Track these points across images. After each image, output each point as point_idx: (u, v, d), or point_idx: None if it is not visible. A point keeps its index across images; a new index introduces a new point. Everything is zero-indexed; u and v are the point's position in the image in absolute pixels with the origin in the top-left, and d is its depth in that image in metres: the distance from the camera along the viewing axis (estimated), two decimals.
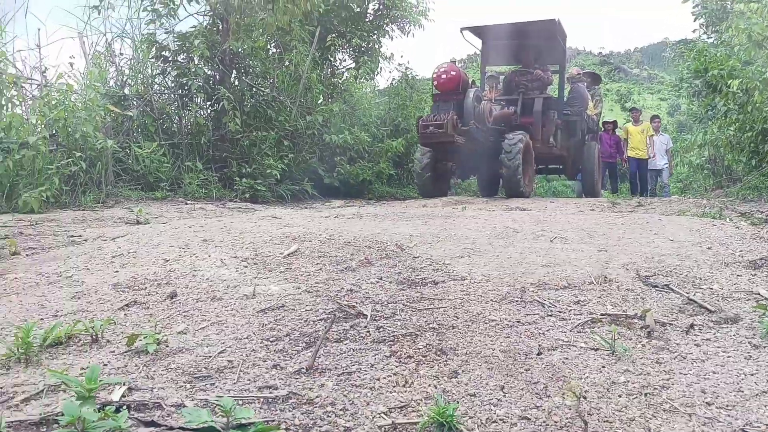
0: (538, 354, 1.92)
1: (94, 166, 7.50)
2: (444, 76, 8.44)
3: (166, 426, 1.36)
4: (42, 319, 2.28)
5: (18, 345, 1.85)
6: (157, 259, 2.90)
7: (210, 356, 1.80)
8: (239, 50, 9.33)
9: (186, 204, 7.58)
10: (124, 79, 9.11)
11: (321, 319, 2.11)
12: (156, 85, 9.42)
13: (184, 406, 1.50)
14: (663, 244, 3.42)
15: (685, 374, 1.81)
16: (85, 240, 4.31)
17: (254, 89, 9.72)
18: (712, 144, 11.17)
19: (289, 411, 1.49)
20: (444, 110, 8.19)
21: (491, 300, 2.38)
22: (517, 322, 2.19)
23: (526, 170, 8.70)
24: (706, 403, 1.63)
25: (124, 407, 1.45)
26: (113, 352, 1.88)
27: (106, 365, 1.78)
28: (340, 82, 12.17)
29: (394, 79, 13.06)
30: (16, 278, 2.88)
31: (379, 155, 11.30)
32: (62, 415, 1.44)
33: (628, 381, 1.74)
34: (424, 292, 2.45)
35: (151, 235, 3.51)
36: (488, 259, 2.90)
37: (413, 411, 1.51)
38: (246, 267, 2.70)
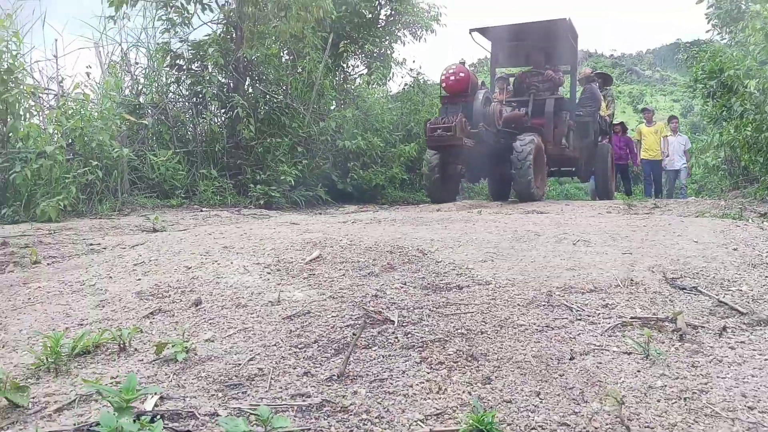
0: (570, 359, 1.89)
1: (110, 174, 7.55)
2: (453, 77, 8.29)
3: None
4: (68, 327, 2.28)
5: (47, 354, 1.85)
6: (179, 267, 2.90)
7: (240, 364, 1.79)
8: (253, 58, 9.37)
9: (201, 211, 7.61)
10: (140, 88, 9.18)
11: (348, 326, 2.10)
12: (171, 94, 9.48)
13: (218, 415, 1.49)
14: (687, 246, 3.37)
15: (723, 378, 1.77)
16: (105, 248, 4.32)
17: (268, 96, 9.76)
18: (728, 144, 11.03)
19: (324, 419, 1.47)
20: (452, 112, 8.02)
21: (518, 304, 2.35)
22: (546, 326, 2.15)
23: (537, 173, 8.54)
24: (748, 407, 1.59)
25: (158, 417, 1.44)
26: (141, 360, 1.87)
27: (135, 374, 1.76)
28: (353, 88, 12.19)
29: (406, 84, 13.06)
30: (39, 287, 2.89)
31: (392, 160, 11.29)
32: (97, 425, 1.44)
33: (666, 385, 1.71)
34: (450, 297, 2.42)
35: (171, 242, 3.52)
36: (512, 263, 2.87)
37: (450, 418, 1.49)
38: (269, 273, 2.69)
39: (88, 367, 1.86)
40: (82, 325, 2.29)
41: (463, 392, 1.63)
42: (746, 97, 9.15)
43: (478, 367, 1.80)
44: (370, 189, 10.77)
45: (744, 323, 2.30)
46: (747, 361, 1.92)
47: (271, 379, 1.69)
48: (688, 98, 26.55)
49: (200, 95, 9.28)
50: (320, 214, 8.14)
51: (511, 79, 10.65)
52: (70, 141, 7.36)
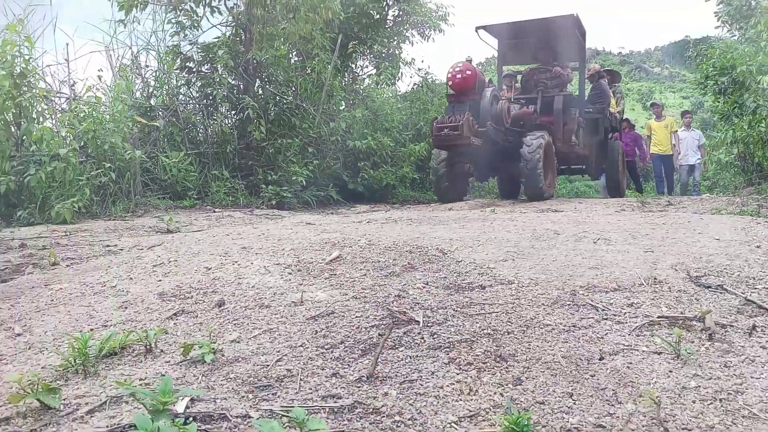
0: (600, 359, 1.87)
1: (123, 176, 7.58)
2: (459, 75, 8.10)
3: None
4: (92, 329, 2.28)
5: (74, 356, 1.84)
6: (199, 268, 2.90)
7: (268, 365, 1.78)
8: (262, 59, 9.38)
9: (214, 212, 7.63)
10: (151, 91, 9.21)
11: (373, 326, 2.08)
12: (181, 96, 9.51)
13: (250, 417, 1.48)
14: (709, 244, 3.34)
15: (757, 378, 1.75)
16: (121, 249, 4.33)
17: (278, 97, 9.77)
18: (742, 141, 10.93)
19: (357, 421, 1.45)
20: (459, 111, 7.87)
21: (543, 304, 2.33)
22: (573, 326, 2.13)
23: (547, 171, 8.40)
24: None
25: (190, 419, 1.44)
26: (168, 362, 1.87)
27: (163, 376, 1.76)
28: (362, 88, 12.19)
29: (415, 83, 13.04)
30: (61, 288, 2.90)
31: (402, 160, 11.28)
32: (131, 427, 1.43)
33: (700, 386, 1.68)
34: (473, 296, 2.40)
35: (189, 243, 3.52)
36: (533, 262, 2.85)
37: (483, 420, 1.47)
38: (290, 274, 2.68)
39: (116, 368, 1.85)
40: (106, 326, 2.29)
41: (495, 393, 1.62)
42: (759, 93, 9.06)
43: (507, 367, 1.79)
44: (381, 189, 10.76)
45: None
46: None
47: (300, 380, 1.69)
48: (698, 95, 26.38)
49: (211, 97, 9.31)
50: (332, 213, 8.14)
51: (519, 77, 10.49)
52: (82, 143, 7.40)
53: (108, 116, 7.77)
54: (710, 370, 1.80)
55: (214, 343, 1.88)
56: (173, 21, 9.33)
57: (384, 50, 12.62)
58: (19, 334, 2.31)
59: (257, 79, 9.79)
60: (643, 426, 1.45)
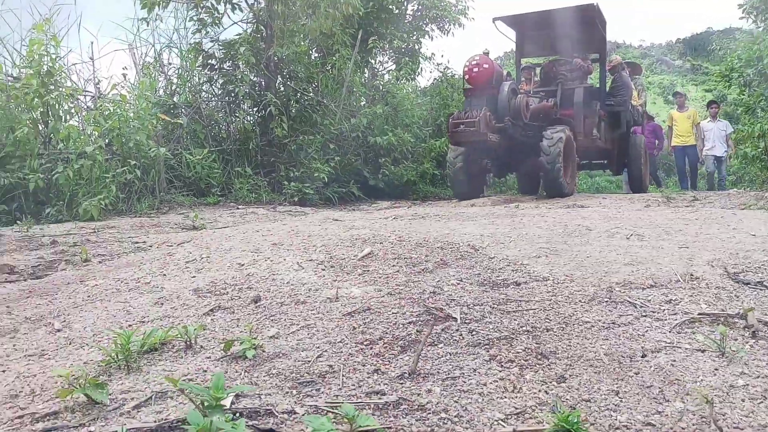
0: (642, 356, 1.84)
1: (147, 173, 7.67)
2: (476, 69, 7.83)
3: None
4: (130, 325, 2.30)
5: (117, 351, 1.86)
6: (232, 264, 2.91)
7: (309, 361, 1.78)
8: (283, 56, 9.41)
9: (238, 209, 7.68)
10: (174, 88, 9.30)
11: (410, 322, 2.08)
12: (204, 93, 9.58)
13: (295, 413, 1.48)
14: (745, 240, 3.28)
15: None
16: (150, 246, 4.38)
17: (299, 94, 9.79)
18: None
19: (403, 417, 1.45)
20: (476, 106, 7.62)
21: (580, 301, 2.31)
22: (612, 323, 2.11)
23: (567, 167, 8.12)
24: None
25: (237, 414, 1.44)
26: (209, 357, 1.88)
27: (205, 371, 1.77)
28: (382, 84, 12.17)
29: (435, 78, 12.99)
30: (96, 285, 2.94)
31: (422, 155, 11.25)
32: (179, 422, 1.45)
33: (748, 384, 1.65)
34: (509, 293, 2.39)
35: (220, 240, 3.54)
36: (567, 259, 2.82)
37: (530, 417, 1.46)
38: (323, 270, 2.68)
39: (157, 364, 1.87)
40: (143, 322, 2.32)
41: (539, 391, 1.60)
42: None
43: (549, 365, 1.77)
44: (402, 185, 10.74)
45: None
46: None
47: (343, 376, 1.69)
48: (721, 88, 25.93)
49: (233, 94, 9.37)
50: (354, 210, 8.16)
51: (538, 69, 10.24)
52: (108, 141, 7.49)
53: (132, 114, 7.87)
54: (757, 368, 1.76)
55: (255, 338, 1.89)
56: (195, 18, 9.40)
57: (403, 45, 12.58)
58: (59, 330, 2.35)
59: (278, 76, 9.83)
60: (693, 424, 1.43)
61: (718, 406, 1.53)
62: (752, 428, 1.43)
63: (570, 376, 1.70)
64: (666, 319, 2.17)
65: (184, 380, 1.71)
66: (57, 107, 7.20)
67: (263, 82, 9.66)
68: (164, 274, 2.94)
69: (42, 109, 7.12)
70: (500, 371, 1.72)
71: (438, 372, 1.71)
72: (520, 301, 2.29)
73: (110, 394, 1.63)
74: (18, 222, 5.99)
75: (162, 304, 2.49)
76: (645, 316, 2.20)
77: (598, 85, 9.99)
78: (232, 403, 1.53)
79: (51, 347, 2.17)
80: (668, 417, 1.46)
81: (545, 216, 4.12)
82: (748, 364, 1.80)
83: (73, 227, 5.87)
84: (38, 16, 8.20)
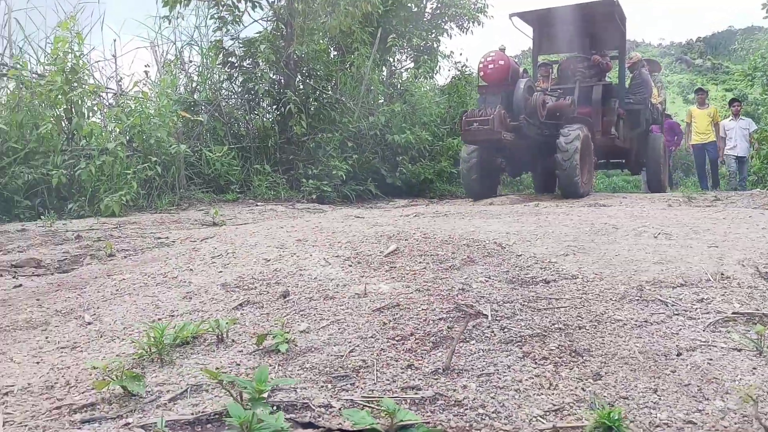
0: (678, 355, 1.82)
1: (168, 170, 7.73)
2: (491, 66, 7.60)
3: (324, 428, 1.34)
4: (159, 319, 2.32)
5: (150, 344, 1.88)
6: (258, 259, 2.92)
7: (342, 355, 1.78)
8: (303, 54, 9.44)
9: (257, 206, 7.72)
10: (194, 86, 9.37)
11: (440, 319, 2.07)
12: (224, 91, 9.64)
13: (332, 407, 1.48)
14: None
15: None
16: (173, 242, 4.41)
17: (318, 92, 9.81)
18: None
19: (441, 413, 1.44)
20: (491, 104, 7.40)
21: (610, 299, 2.28)
22: (645, 321, 2.08)
23: (584, 167, 7.90)
24: None
25: (275, 407, 1.45)
26: (241, 351, 1.89)
27: (239, 365, 1.78)
28: (400, 82, 12.16)
29: (453, 77, 12.94)
30: (123, 279, 2.96)
31: (440, 154, 11.23)
32: (215, 415, 1.45)
33: None
34: (538, 291, 2.37)
35: (244, 235, 3.56)
36: (596, 257, 2.80)
37: (569, 414, 1.45)
38: (350, 266, 2.68)
39: (190, 357, 1.88)
40: (173, 316, 2.33)
41: (576, 388, 1.59)
42: None
43: (583, 362, 1.75)
44: (419, 183, 10.73)
45: None
46: None
47: (377, 371, 1.68)
48: (742, 87, 25.58)
49: (252, 92, 9.41)
50: (372, 208, 8.16)
51: (555, 66, 10.07)
52: (129, 138, 7.56)
53: (153, 111, 7.93)
54: None
55: (287, 333, 1.89)
56: (215, 16, 9.46)
57: (422, 43, 12.56)
58: (89, 323, 2.37)
59: (298, 74, 9.86)
60: (735, 423, 1.41)
61: (759, 405, 1.50)
62: None
63: (606, 373, 1.68)
64: (699, 318, 2.14)
65: (218, 373, 1.72)
66: (80, 104, 7.28)
67: (282, 80, 9.70)
68: (191, 269, 2.96)
69: (66, 106, 7.21)
70: (535, 368, 1.70)
71: (472, 368, 1.70)
72: (551, 298, 2.27)
73: (146, 387, 1.64)
74: (42, 217, 6.07)
75: (190, 298, 2.51)
76: (677, 314, 2.17)
77: (616, 83, 9.79)
78: (268, 396, 1.54)
79: (83, 340, 2.19)
80: (709, 415, 1.44)
81: (570, 214, 4.09)
82: None
83: (96, 222, 5.94)
84: (63, 14, 8.31)
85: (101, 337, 2.20)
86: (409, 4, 12.15)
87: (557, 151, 7.61)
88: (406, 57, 13.12)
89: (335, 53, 10.89)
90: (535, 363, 1.74)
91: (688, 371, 1.71)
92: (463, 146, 8.60)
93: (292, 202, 8.27)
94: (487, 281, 2.46)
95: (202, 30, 9.69)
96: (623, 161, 10.41)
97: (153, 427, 1.40)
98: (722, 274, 2.64)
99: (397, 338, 1.92)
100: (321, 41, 10.16)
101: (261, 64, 9.39)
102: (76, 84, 7.16)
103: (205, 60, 9.57)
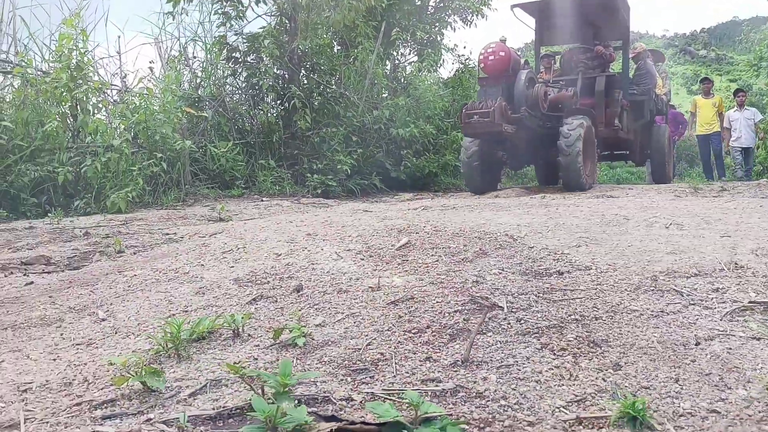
0: (696, 344, 1.81)
1: (173, 166, 7.73)
2: (492, 57, 7.45)
3: (347, 421, 1.34)
4: (173, 314, 2.32)
5: (167, 340, 1.87)
6: (269, 254, 2.92)
7: (359, 348, 1.78)
8: (306, 48, 9.41)
9: (262, 201, 7.72)
10: (198, 81, 9.35)
11: (456, 311, 2.06)
12: (228, 86, 9.62)
13: (353, 400, 1.48)
14: None
15: None
16: (182, 237, 4.41)
17: (322, 86, 9.79)
18: None
19: (462, 404, 1.44)
20: (492, 96, 7.27)
21: (625, 290, 2.27)
22: (661, 311, 2.07)
23: (587, 159, 7.76)
24: None
25: (297, 401, 1.44)
26: (258, 346, 1.89)
27: (256, 359, 1.78)
28: (404, 75, 12.12)
29: (457, 70, 12.90)
30: (135, 275, 2.96)
31: (444, 147, 11.20)
32: (236, 410, 1.45)
33: None
34: (552, 282, 2.36)
35: (254, 230, 3.55)
36: (608, 248, 2.79)
37: (591, 405, 1.44)
38: (362, 260, 2.68)
39: (207, 352, 1.88)
40: (186, 311, 2.33)
41: (596, 378, 1.58)
42: None
43: (602, 353, 1.75)
44: (423, 176, 10.71)
45: None
46: None
47: (395, 363, 1.68)
48: (747, 78, 25.45)
49: (257, 87, 9.39)
50: (377, 202, 8.15)
51: (558, 58, 9.95)
52: (134, 134, 7.56)
53: (158, 107, 7.93)
54: None
55: (303, 327, 1.89)
56: (219, 11, 9.44)
57: (425, 37, 12.51)
58: (103, 319, 2.37)
59: (302, 69, 9.83)
60: (760, 412, 1.40)
61: None
62: None
63: (625, 363, 1.67)
64: (715, 308, 2.13)
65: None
66: (85, 101, 7.27)
67: (287, 75, 9.67)
68: (202, 264, 2.96)
69: (71, 103, 7.21)
70: (554, 359, 1.70)
71: (491, 360, 1.69)
72: (565, 290, 2.26)
73: (165, 382, 1.64)
74: (49, 214, 6.07)
75: (203, 293, 2.50)
76: (693, 304, 2.16)
77: (620, 73, 9.59)
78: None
79: (97, 336, 2.19)
80: (733, 404, 1.43)
81: (579, 206, 4.07)
82: None
83: (102, 219, 5.95)
84: (67, 11, 8.29)
85: (116, 333, 2.20)
86: None
87: (559, 144, 7.48)
88: (410, 51, 13.08)
89: (339, 48, 10.85)
90: (554, 354, 1.73)
91: (708, 361, 1.70)
92: (463, 139, 8.45)
93: (297, 197, 8.26)
94: (500, 273, 2.45)
95: (205, 26, 9.68)
96: (627, 153, 10.29)
97: (175, 423, 1.40)
98: (736, 263, 2.62)
99: (413, 331, 1.91)
100: (325, 36, 10.12)
101: (265, 59, 9.38)
102: (81, 81, 7.15)
103: (209, 56, 9.56)
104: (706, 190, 7.16)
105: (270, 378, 1.24)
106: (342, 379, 1.59)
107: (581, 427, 1.35)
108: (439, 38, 12.86)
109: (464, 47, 33.96)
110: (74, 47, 7.12)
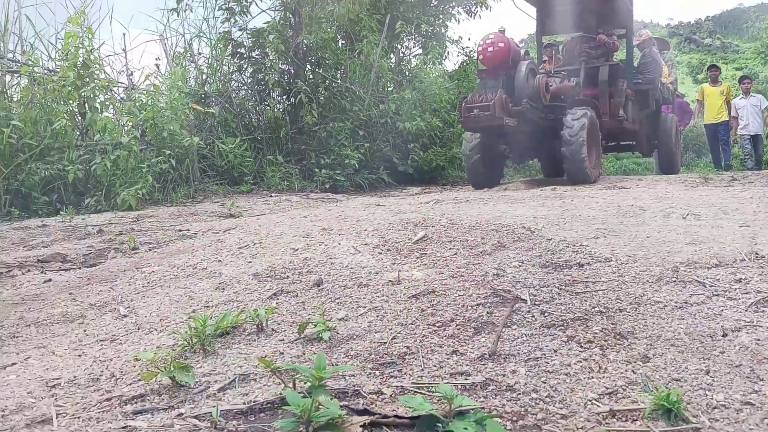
0: (723, 335, 1.80)
1: (181, 163, 7.73)
2: (491, 48, 7.19)
3: (379, 414, 1.34)
4: (194, 310, 2.32)
5: (192, 335, 1.88)
6: (286, 249, 2.92)
7: (384, 342, 1.78)
8: (311, 43, 9.39)
9: (271, 196, 7.72)
10: (204, 78, 9.34)
11: (478, 304, 2.06)
12: (234, 82, 9.61)
13: (383, 393, 1.48)
14: None
15: None
16: (195, 234, 4.42)
17: (328, 81, 9.76)
18: None
19: (493, 398, 1.44)
20: (492, 88, 7.07)
21: (647, 281, 2.26)
22: (685, 303, 2.06)
23: (591, 151, 7.54)
24: None
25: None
26: (283, 340, 1.89)
27: (282, 354, 1.78)
28: (409, 69, 12.08)
29: (462, 62, 12.85)
30: (153, 271, 2.97)
31: (451, 140, 11.15)
32: (267, 404, 1.45)
33: None
34: (573, 274, 2.35)
35: (268, 225, 3.55)
36: (627, 239, 2.78)
37: (622, 397, 1.44)
38: (380, 254, 2.68)
39: (232, 347, 1.88)
40: (207, 307, 2.33)
41: (626, 371, 1.58)
42: None
43: (629, 345, 1.74)
44: (431, 170, 10.67)
45: None
46: None
47: (422, 357, 1.68)
48: (753, 66, 25.26)
49: (262, 82, 9.38)
50: (386, 196, 8.14)
51: (560, 47, 9.70)
52: (142, 132, 7.56)
53: (165, 104, 7.92)
54: None
55: (328, 321, 1.89)
56: (223, 7, 9.42)
57: (430, 29, 12.45)
58: (125, 316, 2.38)
59: (307, 63, 9.81)
60: None
61: None
62: None
63: (653, 355, 1.67)
64: (739, 299, 2.12)
65: (259, 364, 1.72)
66: (93, 99, 7.27)
67: (292, 70, 9.66)
68: (219, 260, 2.96)
69: (78, 102, 7.21)
70: (581, 352, 1.69)
71: (518, 353, 1.69)
72: (587, 282, 2.26)
73: (194, 377, 1.64)
74: (61, 213, 6.09)
75: (223, 289, 2.51)
76: (717, 295, 2.15)
77: (624, 62, 9.32)
78: None
79: (120, 332, 2.20)
80: (767, 396, 1.43)
81: (594, 197, 4.06)
82: None
83: (114, 216, 5.96)
84: (72, 9, 8.29)
85: (138, 329, 2.21)
86: None
87: (562, 136, 7.30)
88: (415, 43, 13.01)
89: (343, 42, 10.82)
90: (581, 347, 1.73)
91: (737, 352, 1.69)
92: (464, 134, 8.21)
93: (305, 192, 8.26)
94: (520, 266, 2.45)
95: (210, 22, 9.66)
96: (633, 143, 10.04)
97: (207, 417, 1.40)
98: (756, 253, 2.61)
99: (437, 324, 1.91)
100: (329, 30, 10.10)
101: (270, 54, 9.36)
102: (88, 79, 7.15)
103: (214, 52, 9.55)
104: (717, 180, 7.12)
105: (306, 371, 1.24)
106: (370, 373, 1.59)
107: (615, 420, 1.35)
108: (443, 30, 12.80)
109: (469, 39, 33.74)
110: (80, 45, 7.12)
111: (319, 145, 9.26)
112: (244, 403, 1.47)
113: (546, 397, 1.43)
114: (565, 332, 1.83)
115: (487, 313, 1.98)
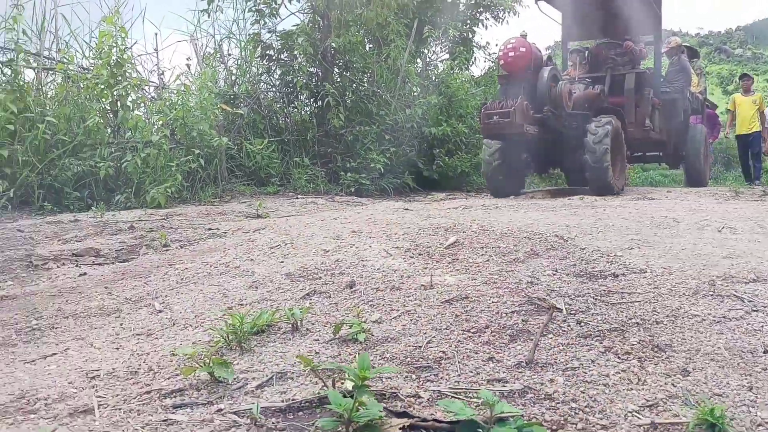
0: (765, 352, 1.77)
1: (210, 162, 7.82)
2: (512, 53, 7.02)
3: (419, 417, 1.34)
4: (229, 307, 2.35)
5: (229, 332, 1.90)
6: (317, 250, 2.94)
7: (420, 346, 1.78)
8: (339, 46, 9.44)
9: (297, 198, 7.77)
10: (234, 79, 9.44)
11: (513, 312, 2.05)
12: (262, 84, 9.70)
13: (420, 397, 1.48)
14: None
15: None
16: (225, 233, 4.47)
17: (355, 85, 9.80)
18: None
19: (532, 405, 1.43)
20: (512, 95, 6.89)
21: (684, 294, 2.24)
22: (723, 317, 2.04)
23: (615, 161, 7.26)
24: None
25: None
26: (317, 340, 1.90)
27: (318, 353, 1.79)
28: (436, 74, 12.07)
29: (489, 68, 12.81)
30: (186, 268, 3.01)
31: (476, 146, 11.10)
32: (305, 403, 1.46)
33: None
34: (608, 285, 2.33)
35: (299, 226, 3.58)
36: (662, 251, 2.74)
37: (663, 410, 1.42)
38: (412, 258, 2.68)
39: (268, 345, 1.90)
40: (242, 305, 2.36)
41: (665, 384, 1.56)
42: None
43: (667, 358, 1.72)
44: (456, 176, 10.64)
45: None
46: None
47: (458, 362, 1.68)
48: None
49: (290, 85, 9.45)
50: (411, 201, 8.14)
51: (586, 53, 9.27)
52: (171, 130, 7.66)
53: (194, 104, 8.03)
54: None
55: (364, 322, 1.90)
56: (253, 9, 9.51)
57: (457, 34, 12.45)
58: (160, 311, 2.42)
59: (335, 67, 9.86)
60: None
61: None
62: None
63: (693, 369, 1.65)
64: None
65: (298, 362, 1.73)
66: (125, 97, 7.40)
67: (320, 73, 9.71)
68: (251, 259, 2.99)
69: (111, 99, 7.34)
70: (619, 363, 1.68)
71: (555, 362, 1.68)
72: (623, 293, 2.24)
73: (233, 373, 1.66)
74: (92, 208, 6.20)
75: (257, 287, 2.53)
76: (756, 310, 2.11)
77: (652, 70, 9.12)
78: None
79: (156, 327, 2.23)
80: None
81: (626, 207, 4.02)
82: None
83: (143, 214, 6.05)
84: (106, 9, 8.47)
85: (174, 324, 2.24)
86: None
87: (585, 143, 7.09)
88: (442, 48, 13.03)
89: (371, 45, 10.85)
90: (618, 358, 1.71)
91: None
92: (484, 142, 7.98)
93: (330, 195, 8.30)
94: (554, 274, 2.43)
95: (240, 23, 9.77)
96: (660, 154, 9.82)
97: (247, 414, 1.42)
98: None
99: (472, 330, 1.91)
100: (357, 33, 10.14)
101: (298, 57, 9.43)
102: (120, 78, 7.28)
103: (243, 53, 9.65)
104: (748, 194, 7.00)
105: (350, 371, 1.25)
106: (407, 376, 1.60)
107: None
108: (471, 36, 12.79)
109: (496, 45, 33.64)
110: (114, 44, 7.25)
111: (345, 148, 9.29)
112: (283, 401, 1.48)
113: (585, 407, 1.42)
114: (602, 343, 1.81)
115: (522, 320, 1.97)
